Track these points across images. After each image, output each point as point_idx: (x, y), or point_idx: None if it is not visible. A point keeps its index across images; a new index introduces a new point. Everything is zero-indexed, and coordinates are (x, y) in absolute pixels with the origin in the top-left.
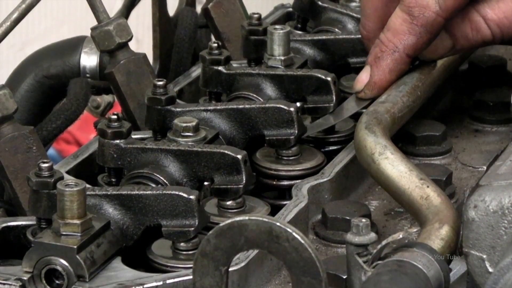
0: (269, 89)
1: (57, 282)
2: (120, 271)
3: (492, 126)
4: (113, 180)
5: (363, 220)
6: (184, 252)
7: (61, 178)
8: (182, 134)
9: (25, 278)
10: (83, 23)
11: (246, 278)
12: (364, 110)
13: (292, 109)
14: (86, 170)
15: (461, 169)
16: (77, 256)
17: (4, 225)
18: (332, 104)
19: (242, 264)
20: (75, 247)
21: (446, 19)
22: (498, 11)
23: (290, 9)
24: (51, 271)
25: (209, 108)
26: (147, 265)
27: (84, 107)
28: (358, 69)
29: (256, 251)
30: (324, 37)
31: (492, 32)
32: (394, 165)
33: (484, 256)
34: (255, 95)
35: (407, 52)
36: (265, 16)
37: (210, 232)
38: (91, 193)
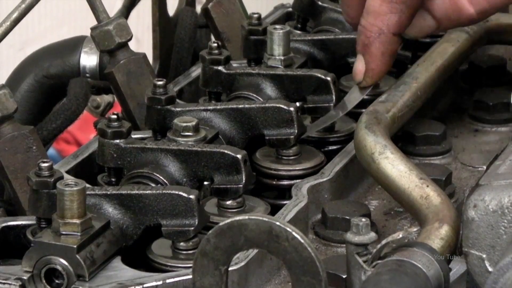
0: (269, 89)
1: (57, 281)
2: (120, 270)
3: (492, 126)
4: (113, 180)
5: (363, 219)
6: (184, 252)
7: (61, 177)
8: (182, 134)
9: (25, 278)
10: (83, 23)
11: (246, 278)
12: (364, 110)
13: (292, 109)
14: (86, 170)
15: (461, 169)
16: (77, 256)
17: (4, 225)
18: (332, 104)
19: (242, 264)
20: (75, 246)
21: None
22: None
23: (290, 9)
24: (51, 270)
25: (209, 108)
26: (147, 264)
27: (84, 107)
28: None
29: (256, 251)
30: (324, 37)
31: (475, 9)
32: (394, 165)
33: (484, 256)
34: (255, 95)
35: (393, 31)
36: (265, 16)
37: (210, 231)
38: (91, 192)
